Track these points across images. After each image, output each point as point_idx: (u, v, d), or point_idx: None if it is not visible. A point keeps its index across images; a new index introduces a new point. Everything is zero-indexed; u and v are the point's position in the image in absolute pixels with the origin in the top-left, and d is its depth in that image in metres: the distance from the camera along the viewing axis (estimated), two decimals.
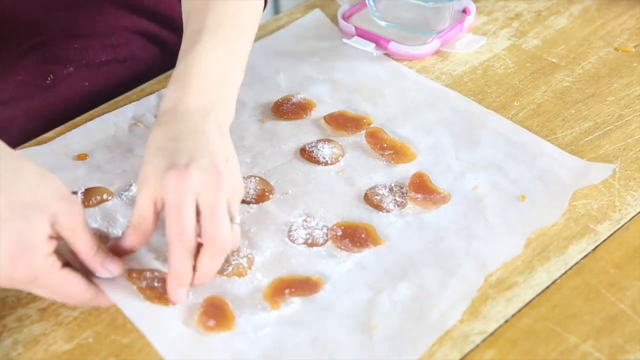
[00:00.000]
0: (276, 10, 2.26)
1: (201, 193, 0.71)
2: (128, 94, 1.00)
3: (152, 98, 0.98)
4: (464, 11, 1.07)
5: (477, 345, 0.72)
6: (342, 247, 0.80)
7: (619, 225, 0.82)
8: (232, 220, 0.73)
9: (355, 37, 1.04)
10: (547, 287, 0.76)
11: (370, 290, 0.76)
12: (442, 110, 0.95)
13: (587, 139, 0.91)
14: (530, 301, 0.75)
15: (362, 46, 1.03)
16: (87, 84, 1.03)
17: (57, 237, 0.70)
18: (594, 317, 0.74)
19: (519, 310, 0.75)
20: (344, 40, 1.04)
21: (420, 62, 1.03)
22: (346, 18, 1.07)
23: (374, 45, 1.03)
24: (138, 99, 0.98)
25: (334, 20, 1.09)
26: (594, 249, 0.80)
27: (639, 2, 1.11)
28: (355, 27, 1.05)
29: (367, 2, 1.05)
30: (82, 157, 0.90)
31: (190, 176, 0.70)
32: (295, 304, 0.75)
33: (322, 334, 0.73)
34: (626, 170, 0.87)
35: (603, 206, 0.83)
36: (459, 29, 1.05)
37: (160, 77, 1.02)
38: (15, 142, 0.87)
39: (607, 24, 1.08)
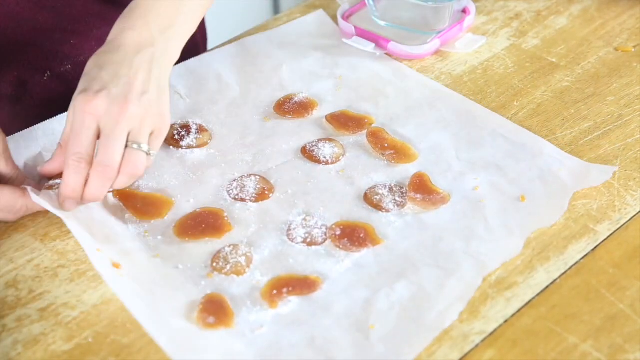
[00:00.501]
0: (276, 10, 2.26)
1: (103, 119, 0.78)
2: None
3: None
4: (464, 11, 1.07)
5: (477, 345, 0.72)
6: (341, 247, 0.80)
7: (619, 225, 0.82)
8: (132, 146, 0.79)
9: (355, 37, 1.04)
10: (547, 287, 0.76)
11: (368, 290, 0.76)
12: (443, 110, 0.95)
13: (586, 139, 0.91)
14: (530, 301, 0.75)
15: (361, 46, 1.03)
16: None
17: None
18: (594, 317, 0.74)
19: (519, 310, 0.75)
20: (344, 40, 1.04)
21: (420, 62, 1.03)
22: (346, 18, 1.07)
23: (373, 45, 1.03)
24: None
25: (335, 19, 1.09)
26: (593, 249, 0.80)
27: (638, 2, 1.11)
28: (355, 27, 1.05)
29: (366, 2, 1.05)
30: None
31: (95, 102, 0.77)
32: (293, 303, 0.75)
33: (320, 333, 0.73)
34: (626, 170, 0.87)
35: (603, 206, 0.83)
36: (459, 29, 1.05)
37: None
38: None
39: (606, 24, 1.08)
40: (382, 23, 1.05)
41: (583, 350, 0.71)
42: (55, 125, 0.92)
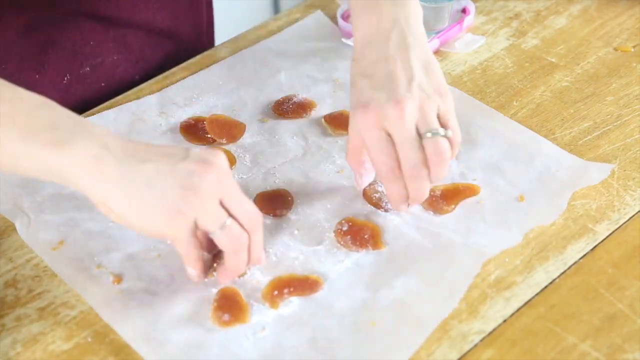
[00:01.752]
0: (276, 10, 2.26)
1: (387, 126, 0.76)
2: (127, 93, 0.99)
3: (152, 98, 0.97)
4: (463, 11, 1.07)
5: (476, 345, 0.72)
6: (342, 243, 0.80)
7: (618, 225, 0.82)
8: (427, 136, 0.76)
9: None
10: (546, 287, 0.76)
11: (368, 289, 0.76)
12: None
13: (586, 139, 0.91)
14: (529, 301, 0.75)
15: None
16: (103, 84, 1.03)
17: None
18: (593, 317, 0.74)
19: (518, 310, 0.75)
20: (343, 40, 1.04)
21: None
22: (345, 18, 1.07)
23: None
24: (137, 98, 0.98)
25: (334, 20, 1.09)
26: (592, 249, 0.80)
27: (638, 2, 1.11)
28: None
29: None
30: None
31: (372, 115, 0.76)
32: (293, 303, 0.75)
33: (321, 334, 0.73)
34: (625, 170, 0.87)
35: (602, 206, 0.83)
36: (458, 28, 1.05)
37: (159, 77, 1.02)
38: None
39: (606, 23, 1.08)
40: None
41: (582, 349, 0.71)
42: None
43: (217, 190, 0.70)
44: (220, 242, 0.71)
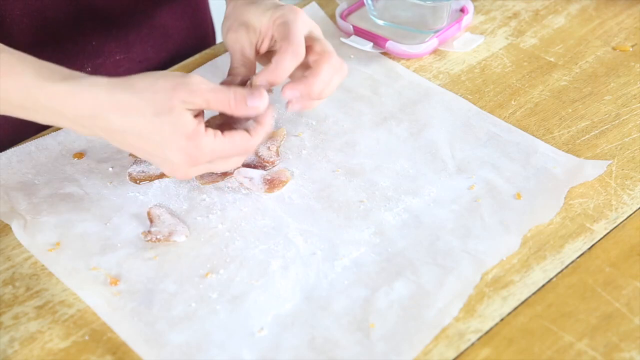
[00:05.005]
0: None
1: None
2: None
3: None
4: (462, 10, 1.07)
5: (473, 344, 0.72)
6: None
7: (615, 224, 0.82)
8: None
9: (353, 36, 1.04)
10: (543, 286, 0.76)
11: (367, 289, 0.76)
12: (437, 109, 0.95)
13: (584, 138, 0.91)
14: (526, 300, 0.75)
15: (360, 45, 1.03)
16: None
17: (199, 112, 0.76)
18: (589, 316, 0.74)
19: (515, 309, 0.75)
20: (342, 39, 1.04)
21: (417, 61, 1.03)
22: (344, 17, 1.07)
23: (371, 44, 1.03)
24: None
25: (333, 18, 1.09)
26: (590, 248, 0.80)
27: (636, 2, 1.11)
28: (354, 26, 1.05)
29: (365, 1, 1.05)
30: (78, 155, 0.90)
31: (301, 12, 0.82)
32: (292, 303, 0.75)
33: (320, 333, 0.73)
34: (623, 169, 0.87)
35: (599, 205, 0.83)
36: (457, 28, 1.05)
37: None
38: None
39: (604, 23, 1.08)
40: (380, 22, 1.05)
41: (578, 348, 0.71)
42: (49, 141, 0.91)
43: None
44: None
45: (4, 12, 0.93)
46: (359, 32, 1.05)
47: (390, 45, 1.02)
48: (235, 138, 0.77)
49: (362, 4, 1.08)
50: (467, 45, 1.04)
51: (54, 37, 0.98)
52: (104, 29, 1.02)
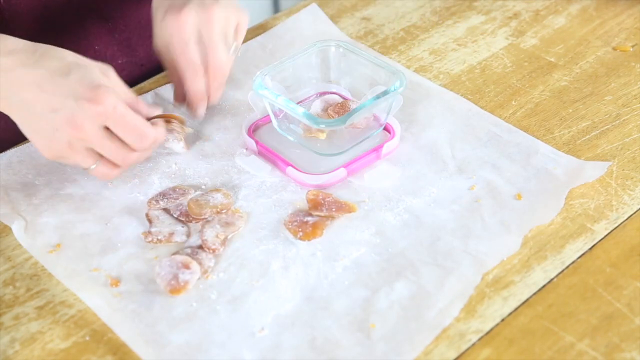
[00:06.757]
0: (276, 9, 2.26)
1: (198, 27, 0.85)
2: None
3: (148, 96, 0.98)
4: (387, 130, 0.91)
5: (474, 344, 0.72)
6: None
7: (616, 225, 0.82)
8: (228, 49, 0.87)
9: (252, 156, 0.89)
10: (544, 286, 0.76)
11: (367, 289, 0.76)
12: (438, 109, 0.95)
13: (584, 138, 0.91)
14: (527, 300, 0.75)
15: (253, 170, 0.88)
16: None
17: None
18: (590, 316, 0.74)
19: (516, 309, 0.75)
20: (237, 159, 0.89)
21: (418, 61, 1.03)
22: (251, 132, 0.91)
23: (270, 168, 0.88)
24: None
25: (333, 18, 1.09)
26: (590, 248, 0.80)
27: (637, 2, 1.11)
28: (257, 142, 0.90)
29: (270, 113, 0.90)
30: None
31: (184, 15, 0.84)
32: (292, 303, 0.75)
33: (320, 334, 0.73)
34: (623, 170, 0.87)
35: (600, 205, 0.83)
36: (375, 156, 0.88)
37: (159, 75, 1.02)
38: None
39: (605, 23, 1.08)
40: (291, 138, 0.90)
41: (579, 349, 0.71)
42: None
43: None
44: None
45: (6, 15, 0.94)
46: (262, 151, 0.89)
47: (289, 171, 0.87)
48: (138, 116, 0.78)
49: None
50: (379, 180, 0.86)
51: (56, 41, 0.98)
52: (106, 33, 1.02)
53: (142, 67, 1.06)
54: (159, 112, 0.83)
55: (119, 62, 1.04)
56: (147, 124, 0.79)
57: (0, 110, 0.78)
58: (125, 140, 0.78)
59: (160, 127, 0.82)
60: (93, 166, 0.80)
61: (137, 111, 0.79)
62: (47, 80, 0.75)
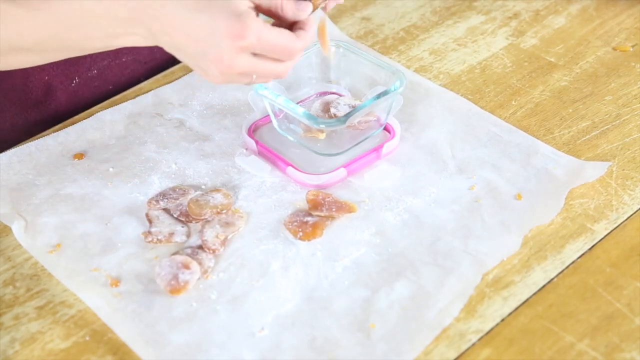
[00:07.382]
0: None
1: None
2: (125, 92, 1.00)
3: (149, 97, 0.98)
4: (387, 130, 0.91)
5: (474, 344, 0.72)
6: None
7: (616, 225, 0.82)
8: None
9: (252, 156, 0.89)
10: (544, 286, 0.76)
11: (367, 289, 0.76)
12: (438, 109, 0.95)
13: (584, 138, 0.91)
14: (527, 300, 0.75)
15: (254, 170, 0.88)
16: (111, 87, 1.03)
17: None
18: (590, 316, 0.74)
19: (516, 309, 0.75)
20: (237, 158, 0.89)
21: (418, 61, 1.03)
22: (251, 132, 0.92)
23: (270, 168, 0.88)
24: (134, 98, 0.98)
25: (333, 18, 1.09)
26: (590, 248, 0.80)
27: (637, 2, 1.11)
28: (257, 143, 0.90)
29: (270, 113, 0.90)
30: (78, 156, 0.90)
31: None
32: (292, 303, 0.75)
33: (320, 333, 0.73)
34: (623, 170, 0.87)
35: (600, 205, 0.83)
36: (375, 156, 0.89)
37: (159, 75, 1.02)
38: None
39: (605, 23, 1.08)
40: (291, 138, 0.90)
41: (579, 349, 0.71)
42: (50, 142, 0.91)
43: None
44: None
45: None
46: (262, 151, 0.90)
47: (289, 171, 0.87)
48: (283, 32, 0.75)
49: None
50: (379, 180, 0.87)
51: None
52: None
53: (146, 65, 1.06)
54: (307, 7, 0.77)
55: (123, 59, 1.04)
56: (292, 37, 0.76)
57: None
58: (277, 58, 0.76)
59: (308, 33, 0.77)
60: (255, 77, 0.78)
61: (281, 18, 0.77)
62: (188, 21, 0.74)
